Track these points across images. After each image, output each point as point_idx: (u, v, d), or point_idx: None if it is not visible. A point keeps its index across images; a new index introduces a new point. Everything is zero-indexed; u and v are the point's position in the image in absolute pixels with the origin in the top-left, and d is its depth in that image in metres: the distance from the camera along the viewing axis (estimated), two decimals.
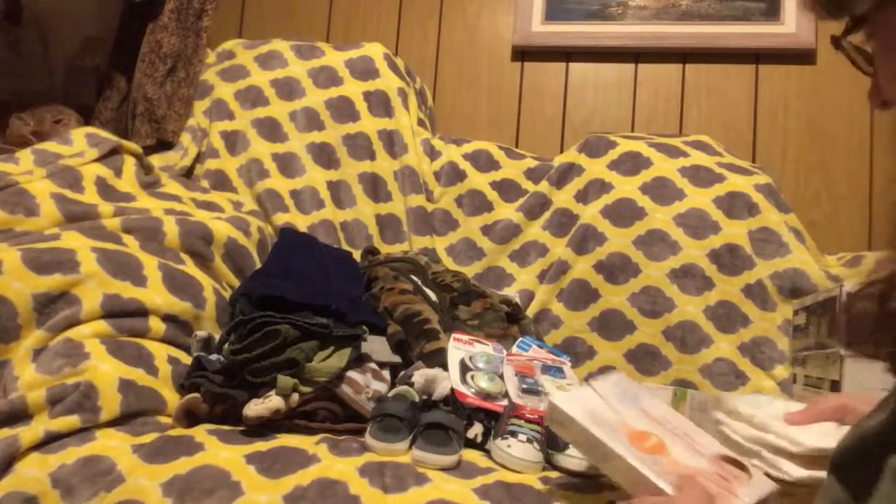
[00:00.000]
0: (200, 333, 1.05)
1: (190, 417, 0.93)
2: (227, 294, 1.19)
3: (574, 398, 0.71)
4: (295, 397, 0.93)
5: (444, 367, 1.03)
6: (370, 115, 1.64)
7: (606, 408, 0.70)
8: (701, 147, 1.56)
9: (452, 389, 0.97)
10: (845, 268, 1.42)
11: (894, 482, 0.38)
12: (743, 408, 0.80)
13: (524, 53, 1.87)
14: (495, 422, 0.94)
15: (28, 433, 0.80)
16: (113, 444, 0.82)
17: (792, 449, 0.70)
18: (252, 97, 1.64)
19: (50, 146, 1.16)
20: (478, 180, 1.61)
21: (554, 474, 0.86)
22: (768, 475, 0.72)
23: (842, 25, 0.50)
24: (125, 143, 1.27)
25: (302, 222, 1.51)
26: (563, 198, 1.55)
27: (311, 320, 1.01)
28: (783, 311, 1.36)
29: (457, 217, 1.59)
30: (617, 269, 1.43)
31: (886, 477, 0.38)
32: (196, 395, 0.93)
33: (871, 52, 0.50)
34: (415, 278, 1.29)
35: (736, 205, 1.44)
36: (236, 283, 1.24)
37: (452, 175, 1.62)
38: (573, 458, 0.87)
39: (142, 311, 1.01)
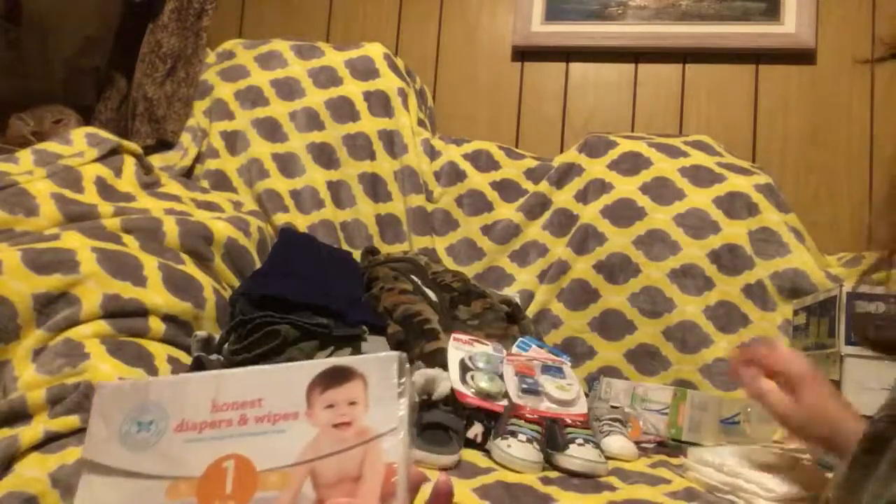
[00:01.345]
0: (200, 333, 1.05)
1: None
2: (227, 294, 1.18)
3: None
4: None
5: (444, 367, 1.03)
6: (370, 115, 1.64)
7: (135, 482, 0.40)
8: (701, 147, 1.56)
9: (452, 389, 0.97)
10: (845, 268, 1.42)
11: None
12: (710, 457, 0.85)
13: (524, 53, 1.87)
14: (495, 422, 0.94)
15: (28, 433, 0.80)
16: None
17: (762, 494, 0.75)
18: (252, 97, 1.64)
19: (50, 146, 1.16)
20: (478, 180, 1.61)
21: (554, 474, 0.86)
22: None
23: None
24: (125, 143, 1.27)
25: (302, 222, 1.51)
26: (563, 198, 1.55)
27: (311, 320, 1.01)
28: (783, 311, 1.36)
29: (457, 217, 1.59)
30: (617, 269, 1.43)
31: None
32: None
33: None
34: (415, 278, 1.29)
35: (736, 205, 1.44)
36: (236, 283, 1.24)
37: (452, 175, 1.62)
38: (573, 458, 0.87)
39: (142, 311, 1.01)
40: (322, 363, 0.41)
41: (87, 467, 0.41)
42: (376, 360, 0.41)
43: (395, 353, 0.41)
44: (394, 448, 0.39)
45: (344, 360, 0.42)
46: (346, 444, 0.39)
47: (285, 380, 0.41)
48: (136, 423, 0.41)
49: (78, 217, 1.08)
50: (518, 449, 0.86)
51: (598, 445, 0.91)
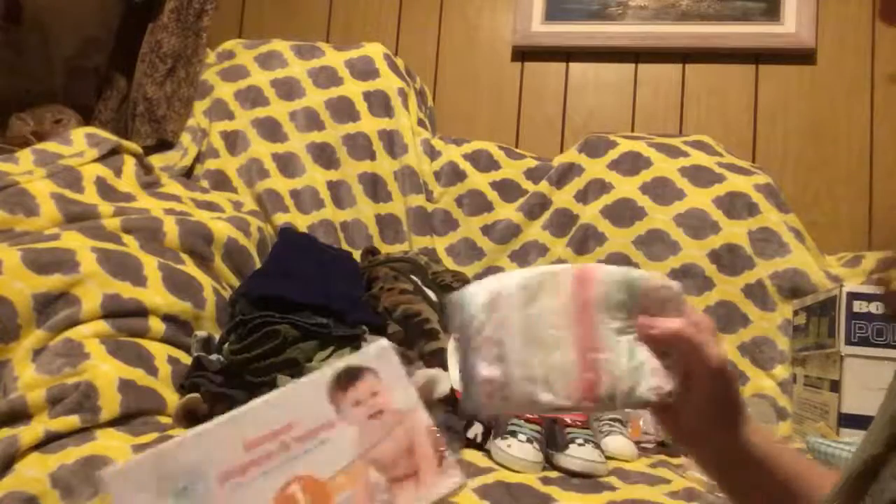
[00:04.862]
0: (200, 333, 1.05)
1: (190, 417, 0.93)
2: (227, 294, 1.19)
3: None
4: None
5: (444, 366, 1.03)
6: (370, 115, 1.64)
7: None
8: (701, 147, 1.56)
9: (452, 389, 0.97)
10: (845, 268, 1.42)
11: None
12: None
13: (524, 53, 1.87)
14: (495, 421, 0.94)
15: (28, 433, 0.80)
16: (113, 444, 0.82)
17: None
18: (252, 97, 1.64)
19: (50, 146, 1.16)
20: (478, 180, 1.61)
21: (554, 474, 0.86)
22: None
23: None
24: (125, 143, 1.27)
25: (302, 222, 1.51)
26: (563, 198, 1.55)
27: (311, 320, 1.01)
28: (783, 311, 1.36)
29: (457, 217, 1.59)
30: None
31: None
32: (196, 395, 0.93)
33: None
34: (415, 278, 1.29)
35: (736, 205, 1.44)
36: (236, 283, 1.24)
37: (452, 175, 1.62)
38: (573, 458, 0.87)
39: (142, 311, 1.01)
40: (329, 371, 0.44)
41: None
42: (376, 353, 0.45)
43: (387, 342, 0.45)
44: (425, 416, 0.44)
45: (347, 360, 0.45)
46: (389, 428, 0.43)
47: (302, 398, 0.43)
48: (172, 495, 0.39)
49: (78, 217, 1.08)
50: (518, 449, 0.86)
51: (598, 445, 0.91)
